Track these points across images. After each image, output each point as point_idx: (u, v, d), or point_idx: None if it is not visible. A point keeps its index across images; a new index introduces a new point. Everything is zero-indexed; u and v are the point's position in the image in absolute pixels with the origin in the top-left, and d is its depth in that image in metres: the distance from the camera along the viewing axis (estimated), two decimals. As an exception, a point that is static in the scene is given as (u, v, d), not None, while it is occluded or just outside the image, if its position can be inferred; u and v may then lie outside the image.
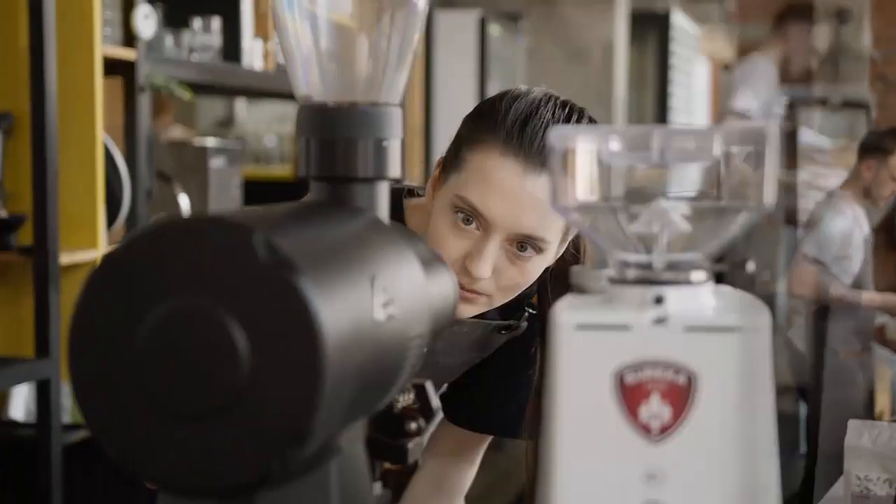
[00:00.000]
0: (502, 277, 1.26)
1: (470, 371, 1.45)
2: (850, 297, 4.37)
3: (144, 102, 2.65)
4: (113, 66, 2.60)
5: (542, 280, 1.33)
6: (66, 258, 2.37)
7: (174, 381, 0.60)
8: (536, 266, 1.27)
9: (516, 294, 1.30)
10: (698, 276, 0.69)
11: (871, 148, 4.42)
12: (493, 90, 6.05)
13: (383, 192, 0.80)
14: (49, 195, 2.32)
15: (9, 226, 2.34)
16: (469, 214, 1.23)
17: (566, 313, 0.68)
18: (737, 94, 4.45)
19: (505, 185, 1.21)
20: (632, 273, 0.69)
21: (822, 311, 4.07)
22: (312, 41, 0.80)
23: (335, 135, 0.79)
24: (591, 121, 1.28)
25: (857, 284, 4.14)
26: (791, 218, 4.64)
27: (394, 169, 0.81)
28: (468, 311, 1.28)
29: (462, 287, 1.24)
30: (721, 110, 4.62)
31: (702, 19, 8.77)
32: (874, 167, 4.27)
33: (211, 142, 3.18)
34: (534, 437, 1.34)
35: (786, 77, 4.70)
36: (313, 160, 0.79)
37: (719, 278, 0.69)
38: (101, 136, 2.47)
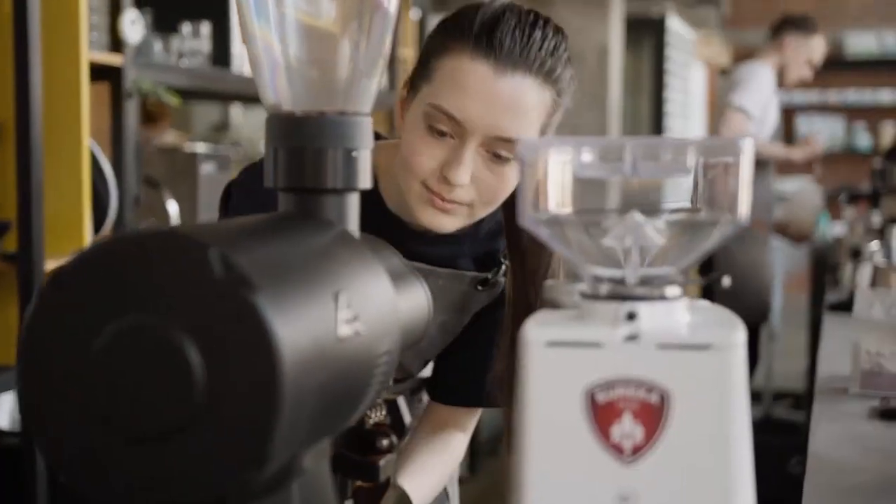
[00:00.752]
0: (481, 185, 1.25)
1: (451, 348, 1.45)
2: (772, 150, 4.66)
3: (131, 108, 2.63)
4: (100, 72, 2.58)
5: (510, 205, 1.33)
6: (51, 265, 2.34)
7: (127, 400, 0.58)
8: (515, 173, 1.26)
9: (496, 205, 1.29)
10: (672, 291, 0.67)
11: (793, 26, 4.55)
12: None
13: (353, 203, 0.78)
14: (34, 202, 2.29)
15: (-7, 232, 2.32)
16: (442, 123, 1.23)
17: (536, 330, 0.66)
18: (737, 90, 4.46)
19: (478, 88, 1.21)
20: (604, 288, 0.67)
21: None
22: (280, 48, 0.78)
23: (303, 144, 0.77)
24: (558, 31, 1.27)
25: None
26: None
27: (364, 180, 0.79)
28: (449, 222, 1.28)
29: (441, 198, 1.25)
30: (719, 105, 4.61)
31: (698, 24, 8.75)
32: (793, 46, 4.49)
33: (201, 147, 3.15)
34: (505, 404, 1.35)
35: (781, 84, 4.71)
36: (281, 170, 0.77)
37: (707, 290, 0.67)
38: (87, 141, 2.45)
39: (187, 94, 3.11)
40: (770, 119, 4.66)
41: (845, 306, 2.68)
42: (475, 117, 1.22)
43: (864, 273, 2.87)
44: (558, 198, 0.68)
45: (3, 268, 2.37)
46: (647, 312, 0.66)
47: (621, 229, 0.67)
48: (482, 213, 1.29)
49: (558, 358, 0.65)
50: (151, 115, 3.78)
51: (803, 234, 4.99)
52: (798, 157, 4.83)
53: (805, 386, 5.18)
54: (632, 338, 0.65)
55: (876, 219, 3.95)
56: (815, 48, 4.67)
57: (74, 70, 2.42)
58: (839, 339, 2.22)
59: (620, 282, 0.68)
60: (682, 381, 0.64)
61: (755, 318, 4.45)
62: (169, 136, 4.11)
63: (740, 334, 0.65)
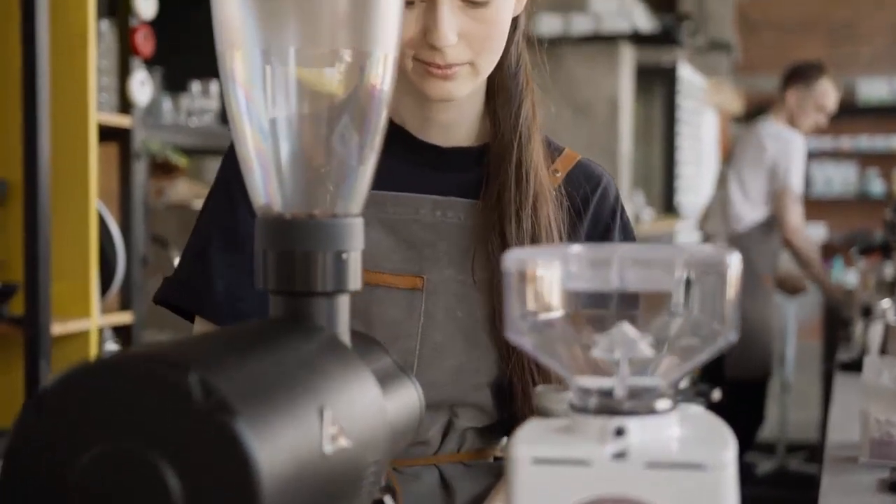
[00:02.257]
0: (471, 37, 1.20)
1: None
2: (808, 245, 4.67)
3: (140, 169, 2.64)
4: (109, 132, 2.60)
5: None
6: (58, 328, 2.35)
7: (107, 525, 0.57)
8: (501, 11, 1.21)
9: (496, 53, 1.23)
10: (662, 404, 0.66)
11: (795, 77, 4.55)
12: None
13: (343, 305, 0.78)
14: (41, 264, 2.30)
15: (0, 295, 2.32)
16: None
17: (523, 446, 0.65)
18: (791, 173, 4.42)
19: None
20: (592, 402, 0.67)
21: None
22: (271, 152, 0.78)
23: (293, 248, 0.77)
24: None
25: None
26: None
27: (354, 281, 0.78)
28: (457, 88, 1.22)
29: (437, 66, 1.20)
30: (774, 188, 4.46)
31: (709, 71, 8.78)
32: (796, 98, 4.48)
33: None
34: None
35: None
36: (271, 273, 0.77)
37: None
38: (95, 203, 2.46)
39: (197, 152, 3.13)
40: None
41: (857, 366, 2.66)
42: None
43: (875, 332, 2.85)
44: (545, 307, 0.68)
45: (9, 331, 2.37)
46: (637, 427, 0.65)
47: (610, 341, 0.66)
48: (486, 65, 1.23)
49: (546, 475, 0.64)
50: (165, 167, 3.80)
51: (797, 288, 4.96)
52: (814, 268, 4.73)
53: (819, 439, 5.13)
54: (620, 455, 0.64)
55: (889, 270, 3.93)
56: (821, 94, 4.64)
57: (83, 132, 2.44)
58: (849, 403, 2.20)
59: (608, 394, 0.67)
60: (671, 500, 0.63)
61: (760, 373, 4.43)
62: (182, 187, 4.12)
63: (731, 452, 0.64)
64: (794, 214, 4.43)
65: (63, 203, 2.41)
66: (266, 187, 0.78)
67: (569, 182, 1.33)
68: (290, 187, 0.78)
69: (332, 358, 0.72)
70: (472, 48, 1.21)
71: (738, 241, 4.41)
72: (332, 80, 0.76)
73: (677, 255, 0.65)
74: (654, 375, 0.68)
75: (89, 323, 2.45)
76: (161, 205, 3.12)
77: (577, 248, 0.66)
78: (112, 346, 2.79)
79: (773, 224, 4.53)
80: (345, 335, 0.76)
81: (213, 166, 4.50)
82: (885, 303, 3.06)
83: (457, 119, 1.32)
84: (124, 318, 2.66)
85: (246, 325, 0.74)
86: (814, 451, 5.29)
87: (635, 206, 6.19)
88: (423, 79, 1.22)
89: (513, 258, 0.67)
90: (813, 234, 10.11)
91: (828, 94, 4.69)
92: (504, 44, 1.24)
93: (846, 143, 10.01)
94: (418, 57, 1.21)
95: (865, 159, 10.06)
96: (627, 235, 1.36)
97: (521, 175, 1.28)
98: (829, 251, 10.05)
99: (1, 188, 2.37)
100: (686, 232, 7.47)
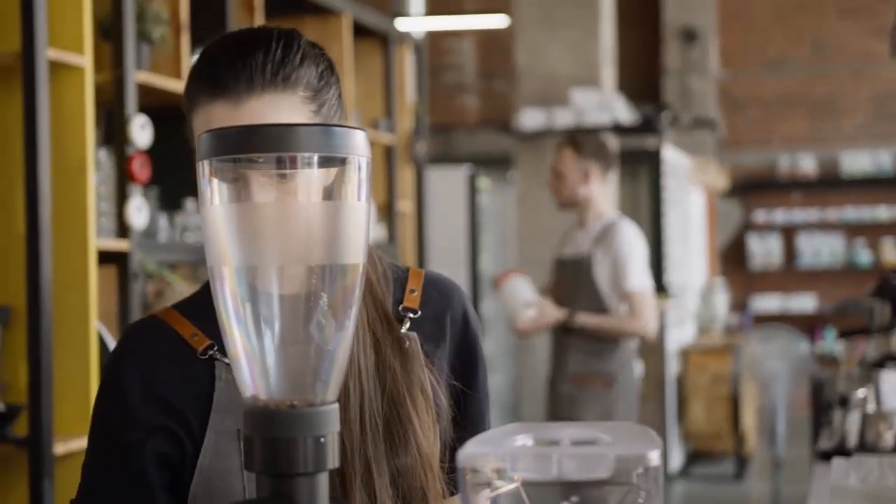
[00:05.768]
0: None
1: None
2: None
3: (137, 289, 2.75)
4: (107, 256, 2.71)
5: None
6: (60, 448, 2.44)
7: None
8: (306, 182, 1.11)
9: None
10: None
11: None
12: (485, 241, 6.18)
13: (323, 482, 0.88)
14: (43, 386, 2.40)
15: (5, 417, 2.41)
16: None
17: None
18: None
19: (219, 126, 1.11)
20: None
21: None
22: (257, 350, 0.88)
23: (276, 435, 0.87)
24: (281, 35, 1.25)
25: None
26: None
27: (332, 460, 0.89)
28: None
29: None
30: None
31: (694, 148, 8.94)
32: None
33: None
34: None
35: None
36: (257, 457, 0.87)
37: None
38: (95, 325, 2.56)
39: (193, 265, 3.24)
40: None
41: (836, 454, 2.73)
42: None
43: (854, 421, 2.93)
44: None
45: (13, 451, 2.46)
46: None
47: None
48: None
49: None
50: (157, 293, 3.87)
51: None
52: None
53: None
54: None
55: (871, 351, 4.01)
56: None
57: (83, 257, 2.55)
58: (824, 498, 2.29)
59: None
60: None
61: None
62: (180, 288, 4.22)
63: None
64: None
65: (64, 326, 2.52)
66: (252, 380, 0.89)
67: (425, 298, 1.36)
68: (273, 380, 0.89)
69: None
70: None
71: None
72: (312, 289, 0.87)
73: (610, 450, 0.75)
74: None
75: (91, 440, 2.54)
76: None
77: (521, 449, 0.76)
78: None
79: None
80: (325, 513, 0.86)
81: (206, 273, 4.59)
82: (862, 392, 3.14)
83: None
84: (124, 431, 2.75)
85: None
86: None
87: (624, 288, 6.28)
88: None
89: (467, 456, 0.77)
90: (802, 304, 10.24)
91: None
92: None
93: (832, 214, 10.18)
94: None
95: (852, 230, 10.22)
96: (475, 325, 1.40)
97: None
98: (819, 321, 10.18)
99: (5, 314, 2.48)
100: (675, 311, 7.58)
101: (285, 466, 0.87)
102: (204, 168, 0.90)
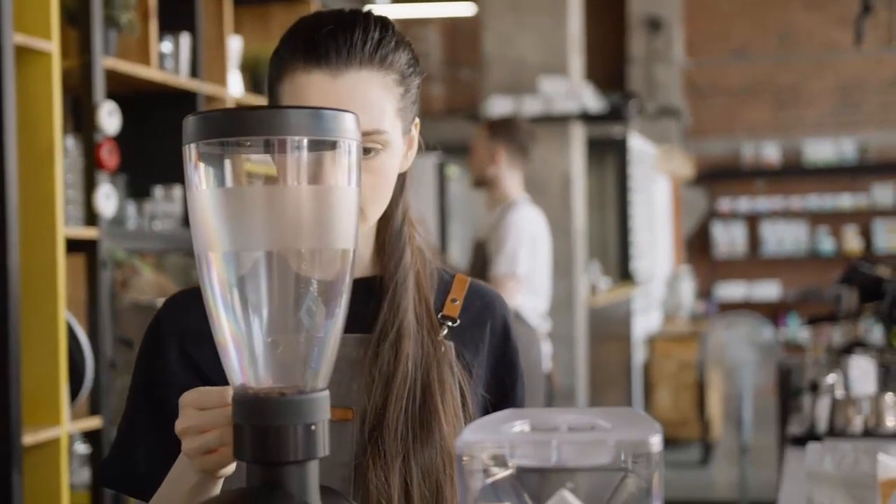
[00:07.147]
0: (361, 187, 1.20)
1: None
2: None
3: (106, 277, 2.72)
4: (76, 244, 2.67)
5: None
6: (29, 438, 2.40)
7: None
8: (386, 164, 1.24)
9: (383, 201, 1.26)
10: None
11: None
12: (454, 230, 6.17)
13: (314, 470, 0.87)
14: (11, 376, 2.36)
15: (-28, 408, 2.38)
16: None
17: None
18: None
19: (318, 95, 1.20)
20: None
21: None
22: (245, 337, 0.87)
23: (267, 423, 0.86)
24: (378, 20, 1.27)
25: None
26: None
27: (323, 448, 0.87)
28: None
29: None
30: None
31: (660, 137, 8.98)
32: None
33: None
34: None
35: None
36: (247, 446, 0.86)
37: None
38: (63, 315, 2.53)
39: (162, 252, 3.21)
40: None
41: (807, 440, 2.75)
42: None
43: (823, 406, 2.95)
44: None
45: (-19, 443, 2.42)
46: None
47: (550, 510, 0.75)
48: (373, 212, 1.27)
49: None
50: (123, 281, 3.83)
51: None
52: None
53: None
54: None
55: (837, 337, 4.04)
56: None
57: (51, 245, 2.51)
58: (798, 482, 2.29)
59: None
60: None
61: None
62: (147, 276, 4.18)
63: None
64: None
65: (33, 315, 2.48)
66: (241, 368, 0.87)
67: (466, 306, 1.37)
68: (262, 368, 0.87)
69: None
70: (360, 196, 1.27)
71: None
72: (301, 274, 0.86)
73: (610, 436, 0.74)
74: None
75: (59, 430, 2.51)
76: (126, 303, 3.18)
77: (521, 437, 0.75)
78: (82, 450, 2.85)
79: None
80: (315, 501, 0.85)
81: (175, 261, 4.56)
82: (831, 378, 3.16)
83: None
84: (94, 422, 2.71)
85: (225, 495, 0.83)
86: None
87: (592, 276, 6.31)
88: None
89: (464, 443, 0.76)
90: (766, 292, 10.32)
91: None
92: (391, 194, 1.28)
93: (796, 202, 10.24)
94: None
95: (815, 218, 10.29)
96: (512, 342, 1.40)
97: (389, 315, 1.29)
98: (782, 308, 10.26)
99: (-28, 303, 2.44)
100: (642, 298, 7.61)
101: (275, 455, 0.85)
102: (190, 152, 0.88)
